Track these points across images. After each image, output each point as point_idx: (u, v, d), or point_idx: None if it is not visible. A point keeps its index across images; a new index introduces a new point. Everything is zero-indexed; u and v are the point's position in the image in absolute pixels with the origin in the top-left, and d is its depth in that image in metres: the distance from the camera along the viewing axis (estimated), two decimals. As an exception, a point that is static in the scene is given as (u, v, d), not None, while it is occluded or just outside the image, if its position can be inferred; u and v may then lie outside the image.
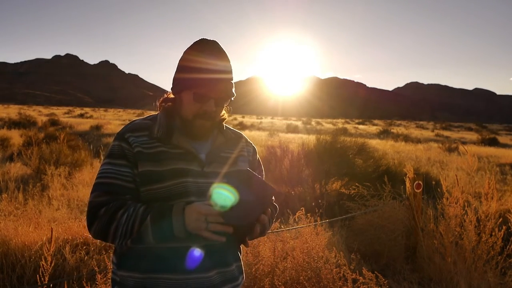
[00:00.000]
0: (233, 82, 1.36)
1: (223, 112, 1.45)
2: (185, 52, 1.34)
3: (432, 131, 44.61)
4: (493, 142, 23.07)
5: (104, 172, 1.27)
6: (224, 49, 1.33)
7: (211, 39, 1.33)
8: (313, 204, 5.69)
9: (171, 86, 1.37)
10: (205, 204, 1.15)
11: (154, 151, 1.28)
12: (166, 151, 1.29)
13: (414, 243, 3.96)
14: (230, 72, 1.34)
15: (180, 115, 1.36)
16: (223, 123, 1.47)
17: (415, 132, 36.63)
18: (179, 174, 1.26)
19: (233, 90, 1.35)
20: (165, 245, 1.21)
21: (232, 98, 1.38)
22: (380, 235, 4.09)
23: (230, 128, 1.50)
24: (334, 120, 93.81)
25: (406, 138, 22.82)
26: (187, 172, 1.27)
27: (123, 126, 1.37)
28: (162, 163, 1.26)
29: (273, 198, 1.47)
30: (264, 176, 1.56)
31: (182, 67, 1.33)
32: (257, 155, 1.55)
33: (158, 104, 1.44)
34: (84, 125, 25.43)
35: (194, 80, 1.29)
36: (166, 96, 1.44)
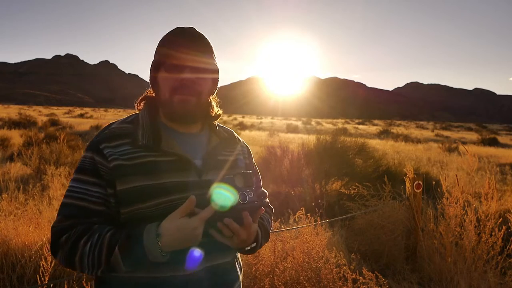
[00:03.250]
0: (214, 56, 1.21)
1: (217, 109, 1.30)
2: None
3: (432, 131, 44.63)
4: (493, 142, 23.10)
5: (70, 191, 1.09)
6: (202, 33, 1.20)
7: (188, 26, 1.20)
8: (313, 204, 5.69)
9: (149, 81, 1.23)
10: (184, 218, 1.01)
11: (139, 162, 1.08)
12: (155, 161, 1.09)
13: (414, 243, 3.96)
14: (209, 47, 1.19)
15: (160, 101, 1.18)
16: (217, 121, 1.32)
17: (415, 132, 36.64)
18: (175, 189, 1.09)
19: (215, 63, 1.20)
20: (150, 275, 1.06)
21: (218, 79, 1.24)
22: (380, 235, 4.09)
23: (221, 126, 1.35)
24: (334, 120, 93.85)
25: (406, 138, 22.84)
26: (183, 185, 1.10)
27: (98, 132, 1.17)
28: (152, 177, 1.07)
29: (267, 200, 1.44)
30: (261, 179, 1.47)
31: (154, 53, 1.20)
32: (252, 156, 1.41)
33: (136, 105, 1.26)
34: (84, 125, 25.44)
35: (165, 54, 1.14)
36: (146, 94, 1.27)
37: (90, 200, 1.06)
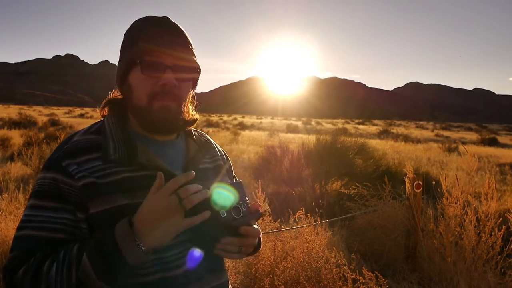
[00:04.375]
0: (195, 55, 1.02)
1: (193, 113, 1.14)
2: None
3: (432, 131, 44.65)
4: (493, 142, 23.13)
5: (27, 221, 0.86)
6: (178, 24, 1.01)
7: (162, 16, 1.00)
8: (313, 204, 5.70)
9: (116, 81, 1.04)
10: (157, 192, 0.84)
11: (115, 179, 0.91)
12: (133, 176, 0.93)
13: (414, 243, 3.96)
14: (188, 41, 1.01)
15: (133, 107, 0.99)
16: (192, 127, 1.16)
17: (415, 132, 36.65)
18: None
19: (196, 60, 1.01)
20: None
21: (198, 74, 1.05)
22: (380, 235, 4.10)
23: (195, 130, 1.20)
24: (334, 120, 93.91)
25: (406, 138, 22.86)
26: None
27: (56, 148, 0.97)
28: (131, 195, 0.90)
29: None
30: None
31: (123, 47, 1.00)
32: (230, 161, 1.26)
33: (101, 110, 1.06)
34: (84, 125, 25.27)
35: (139, 49, 0.93)
36: (110, 97, 1.07)
37: (55, 228, 0.85)
